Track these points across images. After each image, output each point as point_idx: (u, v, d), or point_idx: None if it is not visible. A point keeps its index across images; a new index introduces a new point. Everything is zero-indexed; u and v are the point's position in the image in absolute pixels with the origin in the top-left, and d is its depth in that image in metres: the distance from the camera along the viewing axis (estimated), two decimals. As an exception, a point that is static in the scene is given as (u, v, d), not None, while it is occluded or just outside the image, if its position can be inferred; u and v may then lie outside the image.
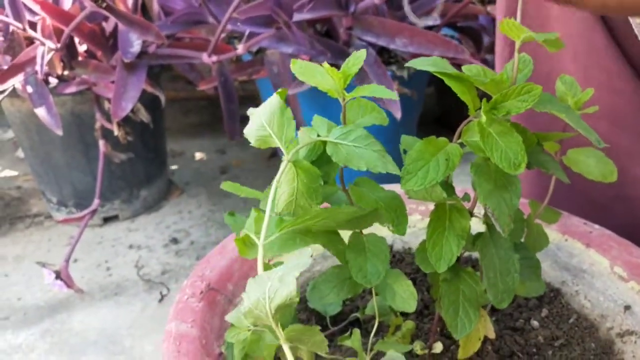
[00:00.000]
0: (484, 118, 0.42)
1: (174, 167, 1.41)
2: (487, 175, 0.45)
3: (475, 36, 1.12)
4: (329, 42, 0.98)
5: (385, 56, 1.09)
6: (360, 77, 0.98)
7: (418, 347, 0.54)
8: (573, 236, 0.65)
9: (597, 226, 0.65)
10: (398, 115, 0.95)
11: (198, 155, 1.47)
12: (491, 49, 1.07)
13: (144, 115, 1.09)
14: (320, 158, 0.46)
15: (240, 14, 0.83)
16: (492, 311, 0.62)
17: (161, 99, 1.06)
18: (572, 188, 0.61)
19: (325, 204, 0.47)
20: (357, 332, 0.51)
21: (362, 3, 0.91)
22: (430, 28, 1.04)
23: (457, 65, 0.47)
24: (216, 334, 0.55)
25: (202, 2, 0.89)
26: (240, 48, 0.87)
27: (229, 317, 0.44)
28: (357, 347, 0.51)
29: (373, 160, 0.43)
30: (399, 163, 0.44)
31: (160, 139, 1.25)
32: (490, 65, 1.05)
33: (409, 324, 0.56)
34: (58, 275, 0.95)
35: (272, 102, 0.45)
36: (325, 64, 0.45)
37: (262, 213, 0.44)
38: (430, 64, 0.45)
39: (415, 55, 0.83)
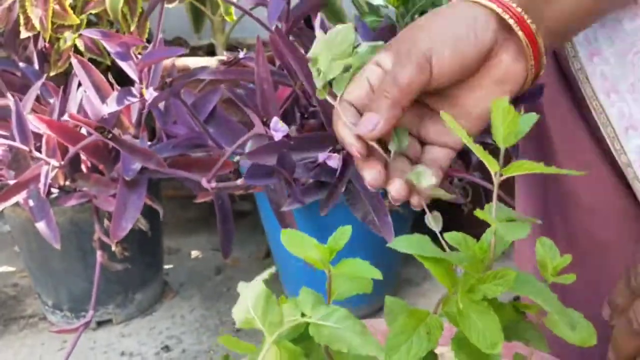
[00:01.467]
0: (461, 301, 0.44)
1: (169, 265, 1.43)
2: (468, 349, 0.46)
3: (464, 154, 1.15)
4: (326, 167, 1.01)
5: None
6: (355, 201, 1.01)
7: None
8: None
9: None
10: (390, 239, 0.97)
11: (194, 253, 1.48)
12: (479, 167, 1.10)
13: (142, 224, 1.11)
14: (303, 335, 0.48)
15: (245, 157, 0.87)
16: None
17: (160, 212, 1.08)
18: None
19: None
20: None
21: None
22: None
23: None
24: None
25: (203, 129, 0.93)
26: (239, 181, 0.90)
27: None
28: None
29: (354, 342, 0.44)
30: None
31: (157, 244, 1.27)
32: (477, 183, 1.07)
33: None
34: (49, 391, 0.95)
35: (257, 287, 0.46)
36: (313, 241, 0.48)
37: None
38: (412, 245, 0.48)
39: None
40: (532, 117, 0.47)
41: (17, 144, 0.93)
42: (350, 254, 0.48)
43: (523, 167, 0.45)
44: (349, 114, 0.54)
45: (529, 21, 0.53)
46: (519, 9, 0.53)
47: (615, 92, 0.65)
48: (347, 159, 0.90)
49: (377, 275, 0.49)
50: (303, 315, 0.47)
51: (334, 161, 0.77)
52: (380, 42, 0.58)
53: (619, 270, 0.59)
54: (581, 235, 0.77)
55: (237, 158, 1.03)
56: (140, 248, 1.20)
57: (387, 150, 0.55)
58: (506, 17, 0.53)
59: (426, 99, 0.57)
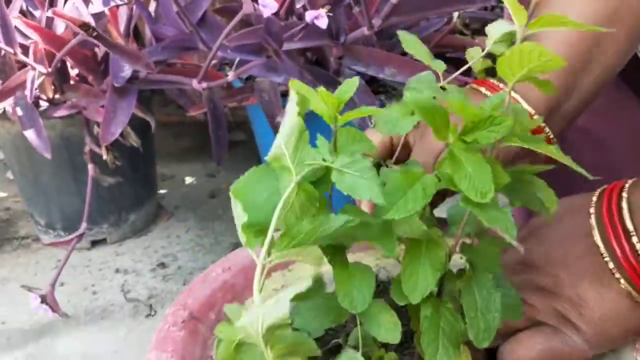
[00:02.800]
0: (454, 143, 0.43)
1: (163, 191, 1.41)
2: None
3: (462, 66, 1.13)
4: (319, 71, 0.99)
5: (375, 85, 1.09)
6: (349, 107, 0.99)
7: None
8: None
9: None
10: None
11: (188, 180, 1.47)
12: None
13: (133, 140, 1.09)
14: (317, 181, 0.46)
15: (231, 42, 0.84)
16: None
17: (151, 123, 1.07)
18: None
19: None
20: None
21: (352, 34, 0.91)
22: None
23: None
24: (196, 364, 0.55)
25: (193, 28, 0.90)
26: (230, 75, 0.88)
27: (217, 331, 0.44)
28: None
29: (375, 193, 0.43)
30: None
31: (150, 163, 1.25)
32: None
33: (392, 356, 0.56)
34: (44, 300, 0.94)
35: (293, 120, 0.44)
36: (321, 89, 0.46)
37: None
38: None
39: (403, 85, 0.83)
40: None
41: (2, 45, 0.91)
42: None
43: (552, 21, 0.43)
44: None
45: None
46: None
47: None
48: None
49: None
50: (324, 161, 0.45)
51: (323, 21, 0.74)
52: None
53: None
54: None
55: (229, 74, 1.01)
56: (133, 166, 1.18)
57: None
58: None
59: None
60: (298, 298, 0.43)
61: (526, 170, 0.50)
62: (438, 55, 0.59)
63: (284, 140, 0.44)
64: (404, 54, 0.98)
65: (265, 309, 0.37)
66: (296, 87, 0.45)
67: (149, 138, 1.19)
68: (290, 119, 0.44)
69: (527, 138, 0.46)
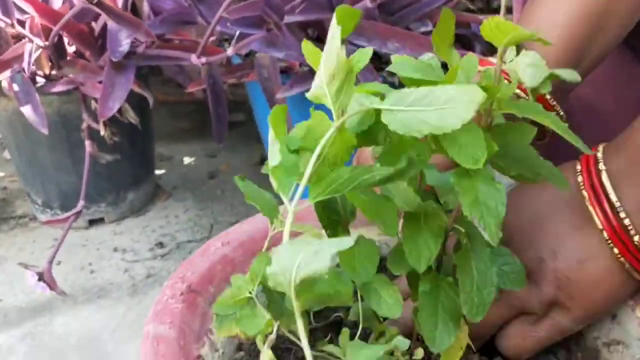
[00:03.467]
0: None
1: (161, 171, 1.40)
2: (470, 183, 0.43)
3: (467, 43, 1.11)
4: (321, 47, 0.97)
5: (377, 62, 1.08)
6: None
7: (399, 353, 0.53)
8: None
9: None
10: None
11: (187, 160, 1.45)
12: (483, 55, 1.07)
13: (131, 117, 1.08)
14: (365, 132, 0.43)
15: (230, 14, 0.82)
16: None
17: (149, 100, 1.05)
18: None
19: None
20: (346, 332, 0.50)
21: (354, 7, 0.90)
22: (423, 34, 1.03)
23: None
24: (195, 336, 0.54)
25: (192, 2, 0.88)
26: (229, 50, 0.86)
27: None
28: (343, 345, 0.49)
29: (436, 122, 0.38)
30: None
31: (148, 142, 1.23)
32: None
33: (393, 331, 0.54)
34: (41, 277, 0.93)
35: (333, 57, 0.40)
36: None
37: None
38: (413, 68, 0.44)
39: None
40: None
41: (-1, 16, 0.89)
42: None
43: None
44: None
45: None
46: None
47: None
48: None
49: (386, 90, 0.45)
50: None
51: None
52: None
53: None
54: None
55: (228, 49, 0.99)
56: (131, 145, 1.17)
57: None
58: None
59: None
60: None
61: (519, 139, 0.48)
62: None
63: (326, 79, 0.40)
64: (408, 28, 0.97)
65: (303, 258, 0.34)
66: (339, 15, 0.41)
67: (148, 116, 1.18)
68: (331, 53, 0.40)
69: (522, 105, 0.44)
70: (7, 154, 1.43)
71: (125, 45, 0.95)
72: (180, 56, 0.94)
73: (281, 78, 1.00)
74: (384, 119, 0.39)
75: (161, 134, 1.51)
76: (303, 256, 0.35)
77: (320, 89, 0.40)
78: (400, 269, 0.50)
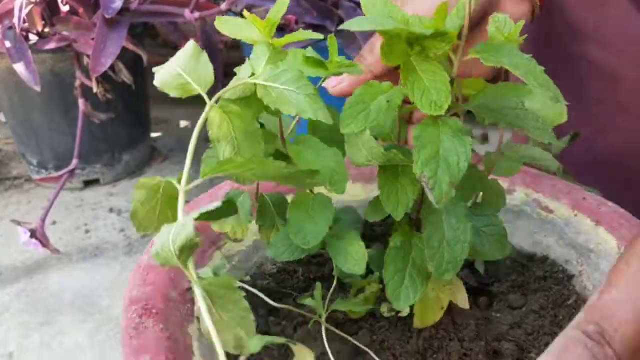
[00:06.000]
0: (412, 56, 0.40)
1: (158, 134, 1.39)
2: (433, 137, 0.40)
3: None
4: (317, 2, 0.96)
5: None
6: (349, 42, 0.96)
7: (385, 309, 0.52)
8: (583, 212, 0.59)
9: (610, 203, 0.60)
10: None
11: (183, 123, 1.45)
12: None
13: (125, 76, 1.07)
14: (251, 101, 0.44)
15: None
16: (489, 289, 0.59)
17: (143, 57, 1.04)
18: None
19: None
20: (318, 286, 0.50)
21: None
22: None
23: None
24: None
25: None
26: (223, 5, 0.85)
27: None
28: (317, 302, 0.49)
29: (303, 106, 0.40)
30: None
31: (143, 103, 1.23)
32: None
33: (374, 287, 0.52)
34: (33, 234, 0.93)
35: (187, 49, 0.45)
36: (247, 14, 0.43)
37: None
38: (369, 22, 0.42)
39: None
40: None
41: (-13, -31, 0.88)
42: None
43: None
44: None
45: None
46: None
47: None
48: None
49: (319, 37, 0.45)
50: (252, 76, 0.43)
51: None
52: None
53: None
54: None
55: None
56: (126, 105, 1.16)
57: None
58: None
59: None
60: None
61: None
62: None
63: (182, 67, 0.46)
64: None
65: (175, 231, 0.36)
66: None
67: (142, 76, 1.17)
68: (185, 47, 0.45)
69: (494, 48, 0.41)
70: (2, 117, 1.43)
71: (118, 1, 0.94)
72: (174, 12, 0.92)
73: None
74: (259, 92, 0.41)
75: (157, 97, 1.50)
76: (174, 230, 0.37)
77: (179, 77, 0.46)
78: (377, 216, 0.49)
